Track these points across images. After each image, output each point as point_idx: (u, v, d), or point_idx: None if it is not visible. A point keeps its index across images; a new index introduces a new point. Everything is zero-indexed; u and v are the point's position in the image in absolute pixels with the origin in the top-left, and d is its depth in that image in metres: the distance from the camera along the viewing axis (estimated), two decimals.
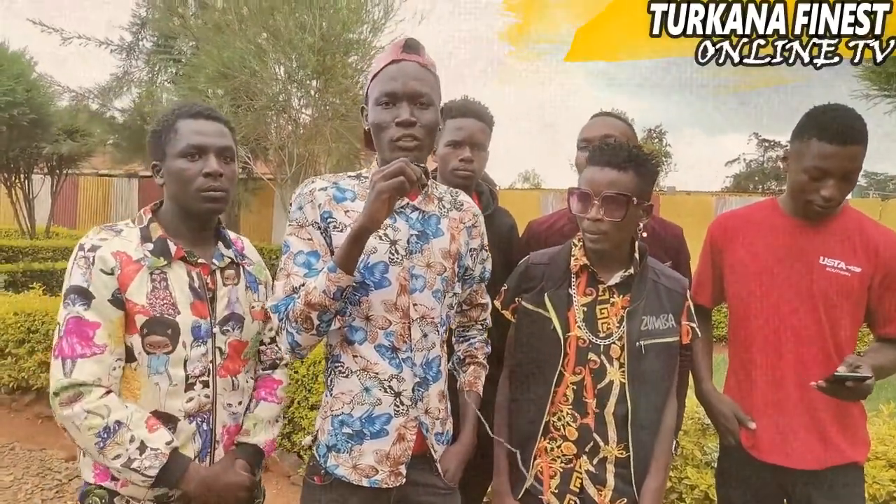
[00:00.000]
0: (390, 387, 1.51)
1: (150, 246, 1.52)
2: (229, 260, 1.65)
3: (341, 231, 1.51)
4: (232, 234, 1.73)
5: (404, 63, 1.50)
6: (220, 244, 1.66)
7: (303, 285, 1.47)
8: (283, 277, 1.51)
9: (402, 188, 1.34)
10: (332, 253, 1.52)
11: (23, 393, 4.69)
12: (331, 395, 1.57)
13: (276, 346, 1.78)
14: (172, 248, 1.54)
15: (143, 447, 1.42)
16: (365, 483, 1.51)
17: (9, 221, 15.89)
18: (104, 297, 1.44)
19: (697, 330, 1.72)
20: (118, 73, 11.17)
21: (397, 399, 1.52)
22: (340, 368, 1.54)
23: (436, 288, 1.56)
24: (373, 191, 1.34)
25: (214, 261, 1.61)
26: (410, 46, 1.52)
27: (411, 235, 1.55)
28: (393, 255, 1.52)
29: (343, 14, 5.49)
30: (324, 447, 1.55)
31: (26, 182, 12.90)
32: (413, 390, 1.53)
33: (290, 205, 1.59)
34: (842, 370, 1.59)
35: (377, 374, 1.51)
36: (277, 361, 1.79)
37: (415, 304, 1.53)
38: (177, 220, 1.58)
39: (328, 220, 1.52)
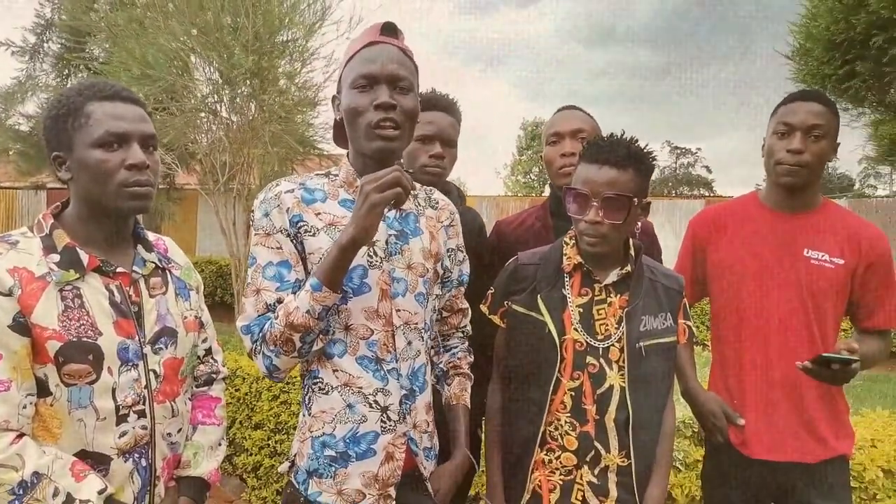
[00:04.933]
0: (376, 402, 1.39)
1: (56, 258, 1.27)
2: (153, 266, 1.43)
3: (313, 235, 1.39)
4: (151, 235, 1.50)
5: (383, 45, 1.39)
6: (140, 248, 1.42)
7: (278, 300, 1.35)
8: (252, 294, 1.38)
9: (399, 199, 1.26)
10: (303, 260, 1.39)
11: None
12: (309, 414, 1.42)
13: (212, 358, 1.61)
14: (84, 257, 1.29)
15: (70, 500, 1.20)
16: None
17: None
18: (3, 324, 1.20)
19: (693, 329, 1.67)
20: (21, 77, 10.37)
21: (384, 414, 1.39)
22: (319, 385, 1.40)
23: (418, 291, 1.45)
24: (364, 202, 1.24)
25: (136, 268, 1.38)
26: (389, 29, 1.42)
27: (389, 236, 1.44)
28: (371, 257, 1.40)
29: (276, 13, 5.27)
30: (303, 473, 1.41)
31: None
32: (400, 404, 1.41)
33: (253, 212, 1.45)
34: (828, 354, 1.59)
35: (361, 388, 1.38)
36: (213, 376, 1.61)
37: (397, 310, 1.41)
38: (87, 224, 1.34)
39: (298, 223, 1.39)
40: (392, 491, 1.40)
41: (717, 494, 1.92)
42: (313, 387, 1.42)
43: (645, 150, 1.52)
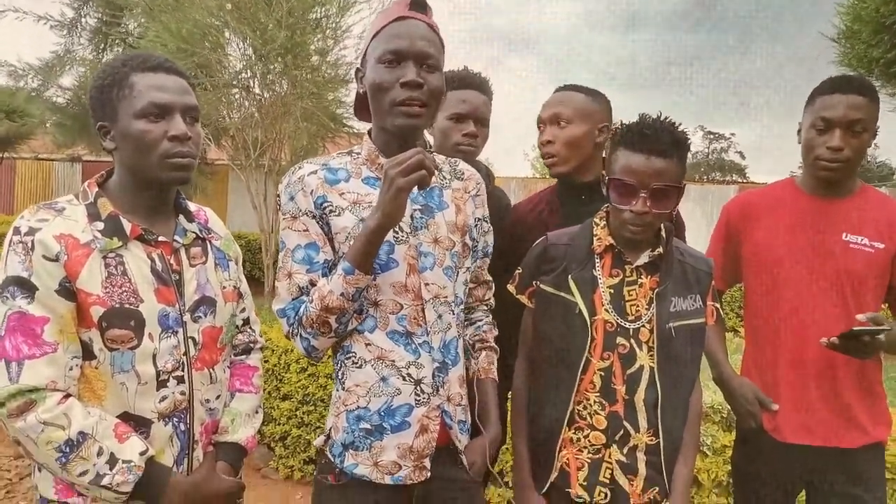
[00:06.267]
0: (409, 374, 1.40)
1: (101, 225, 1.30)
2: (194, 235, 1.45)
3: (339, 215, 1.40)
4: (193, 206, 1.53)
5: (411, 21, 1.38)
6: (182, 218, 1.45)
7: (310, 282, 1.39)
8: (284, 278, 1.42)
9: (424, 182, 1.26)
10: (330, 241, 1.42)
11: None
12: (343, 388, 1.44)
13: (250, 328, 1.64)
14: (127, 226, 1.32)
15: (113, 460, 1.23)
16: (388, 481, 1.40)
17: None
18: (50, 288, 1.23)
19: (721, 311, 1.66)
20: (59, 51, 10.54)
21: (417, 387, 1.41)
22: (353, 359, 1.42)
23: (446, 265, 1.45)
24: (390, 187, 1.24)
25: (177, 237, 1.40)
26: (418, 3, 1.40)
27: (414, 210, 1.44)
28: (397, 233, 1.41)
29: None
30: (339, 446, 1.43)
31: None
32: (433, 376, 1.42)
33: (278, 196, 1.46)
34: (858, 328, 1.58)
35: (393, 361, 1.40)
36: (251, 346, 1.64)
37: (426, 284, 1.42)
38: (130, 193, 1.37)
39: (323, 205, 1.40)
40: (427, 462, 1.42)
41: (747, 479, 1.92)
42: (346, 361, 1.44)
43: (686, 135, 1.50)
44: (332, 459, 1.44)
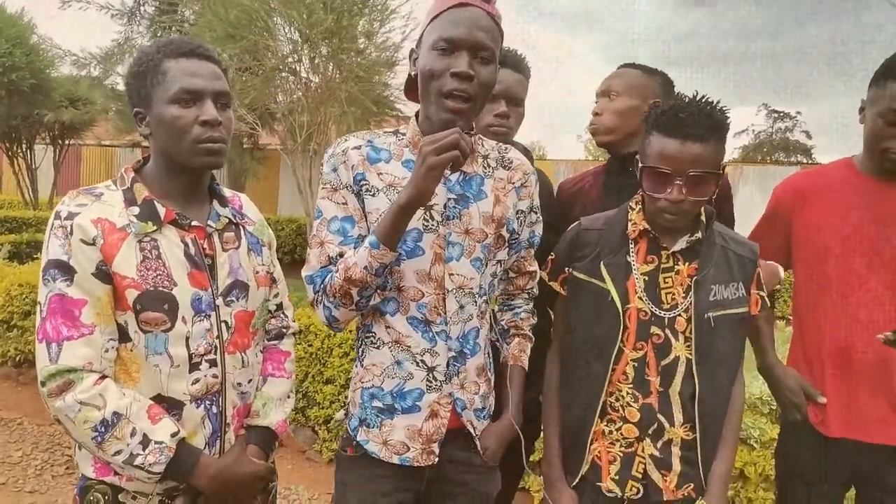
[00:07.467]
0: (423, 361, 1.41)
1: (136, 210, 1.32)
2: (227, 220, 1.46)
3: (374, 196, 1.40)
4: (227, 192, 1.53)
5: (472, 9, 1.33)
6: (216, 203, 1.46)
7: (340, 254, 1.38)
8: (316, 246, 1.42)
9: (457, 163, 1.23)
10: (365, 218, 1.40)
11: (30, 366, 4.59)
12: (361, 365, 1.47)
13: (283, 313, 1.65)
14: (161, 210, 1.34)
15: (146, 441, 1.26)
16: (395, 460, 1.42)
17: (11, 192, 15.77)
18: (87, 271, 1.26)
19: (767, 300, 1.57)
20: (119, 39, 10.90)
21: (430, 374, 1.41)
22: (372, 339, 1.44)
23: (475, 256, 1.43)
24: (422, 164, 1.23)
25: (210, 222, 1.41)
26: None
27: (449, 199, 1.41)
28: (427, 221, 1.39)
29: None
30: (356, 420, 1.47)
31: (28, 152, 12.73)
32: (448, 365, 1.42)
33: (323, 165, 1.47)
34: None
35: (409, 347, 1.41)
36: (283, 331, 1.64)
37: (451, 274, 1.40)
38: (165, 178, 1.38)
39: (361, 182, 1.40)
40: (435, 447, 1.42)
41: (791, 475, 1.83)
42: (366, 340, 1.46)
43: (726, 116, 1.41)
44: (350, 433, 1.47)
